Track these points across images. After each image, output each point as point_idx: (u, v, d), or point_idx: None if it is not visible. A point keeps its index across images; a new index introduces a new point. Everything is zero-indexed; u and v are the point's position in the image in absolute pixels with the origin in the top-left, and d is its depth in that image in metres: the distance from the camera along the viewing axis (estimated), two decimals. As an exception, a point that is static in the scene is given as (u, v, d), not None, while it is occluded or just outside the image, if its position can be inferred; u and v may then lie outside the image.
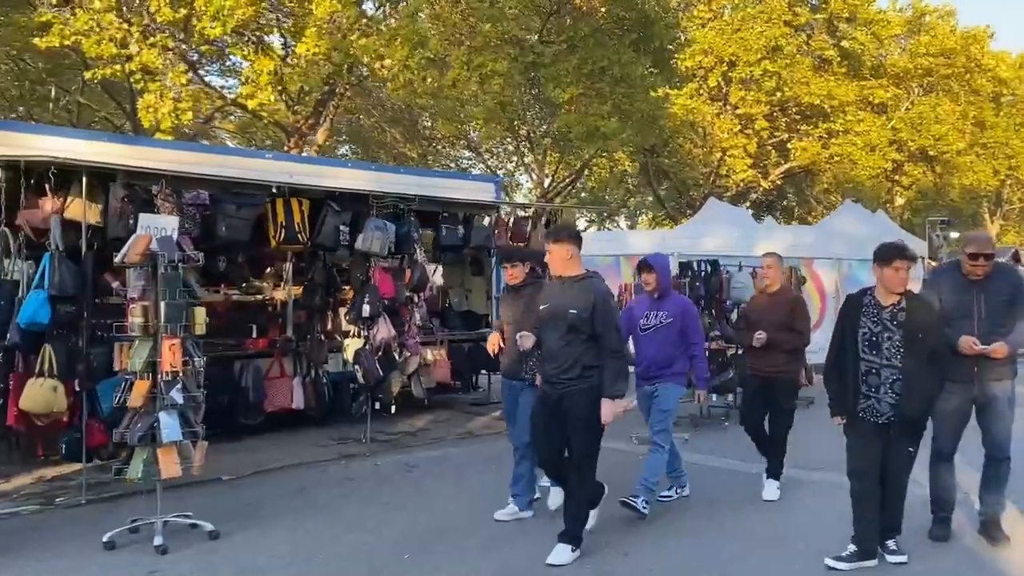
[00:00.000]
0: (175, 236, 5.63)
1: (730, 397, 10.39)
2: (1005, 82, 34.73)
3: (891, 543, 4.96)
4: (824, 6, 27.18)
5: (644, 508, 5.74)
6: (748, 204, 30.36)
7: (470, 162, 31.74)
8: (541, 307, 5.08)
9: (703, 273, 10.43)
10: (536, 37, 19.09)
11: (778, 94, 26.20)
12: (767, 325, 6.27)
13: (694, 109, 26.19)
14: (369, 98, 23.16)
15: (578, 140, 19.36)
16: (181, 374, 5.51)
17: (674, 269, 10.75)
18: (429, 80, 17.11)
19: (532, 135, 25.01)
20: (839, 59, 27.29)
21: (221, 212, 7.17)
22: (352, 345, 8.43)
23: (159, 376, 5.41)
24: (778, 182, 30.38)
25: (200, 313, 5.72)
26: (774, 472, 6.49)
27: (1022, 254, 29.35)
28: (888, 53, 29.38)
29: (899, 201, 32.95)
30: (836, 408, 4.89)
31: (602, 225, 38.02)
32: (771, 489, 6.45)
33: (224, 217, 7.15)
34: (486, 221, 9.78)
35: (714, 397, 10.04)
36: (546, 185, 29.86)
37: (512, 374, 5.93)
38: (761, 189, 29.70)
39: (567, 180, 30.05)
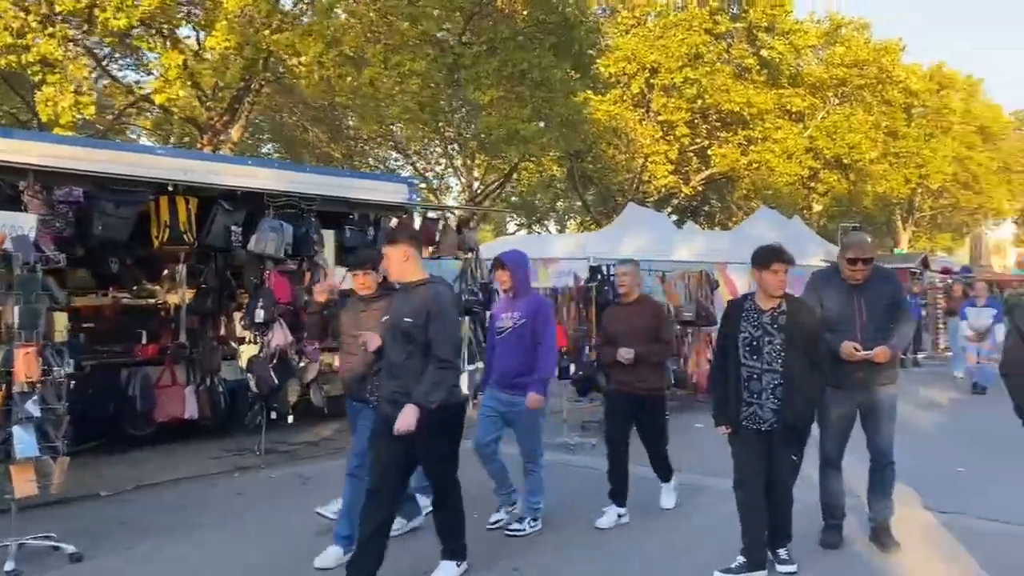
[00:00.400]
0: (32, 235, 5.21)
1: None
2: (916, 94, 35.94)
3: (782, 552, 4.84)
4: (744, 15, 27.71)
5: (532, 527, 5.62)
6: (671, 209, 30.79)
7: (398, 164, 31.32)
8: (383, 319, 4.59)
9: (612, 277, 10.32)
10: (457, 38, 18.89)
11: (699, 101, 26.58)
12: (631, 338, 5.77)
13: (617, 115, 26.36)
14: (290, 95, 22.60)
15: (499, 143, 19.17)
16: (39, 385, 5.09)
17: (584, 273, 10.69)
18: (349, 79, 16.75)
19: (458, 137, 24.80)
20: (758, 68, 27.84)
21: (98, 210, 6.67)
22: (247, 352, 8.04)
23: (13, 387, 4.98)
24: (699, 188, 30.84)
25: (61, 319, 5.29)
26: (666, 477, 6.26)
27: (931, 260, 30.47)
28: (805, 63, 30.09)
29: (816, 208, 33.84)
30: (720, 417, 4.75)
31: (531, 229, 38.09)
32: (668, 496, 6.27)
33: (101, 216, 6.66)
34: (393, 223, 9.46)
35: (550, 400, 9.97)
36: (475, 188, 29.73)
37: (354, 394, 5.23)
38: (683, 195, 30.11)
39: (496, 184, 29.98)
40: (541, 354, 5.45)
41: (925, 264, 28.32)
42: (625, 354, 5.69)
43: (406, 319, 4.34)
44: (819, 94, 29.62)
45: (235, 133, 18.89)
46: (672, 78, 26.01)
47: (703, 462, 7.14)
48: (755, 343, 4.54)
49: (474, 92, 17.72)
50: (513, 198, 35.95)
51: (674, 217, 33.88)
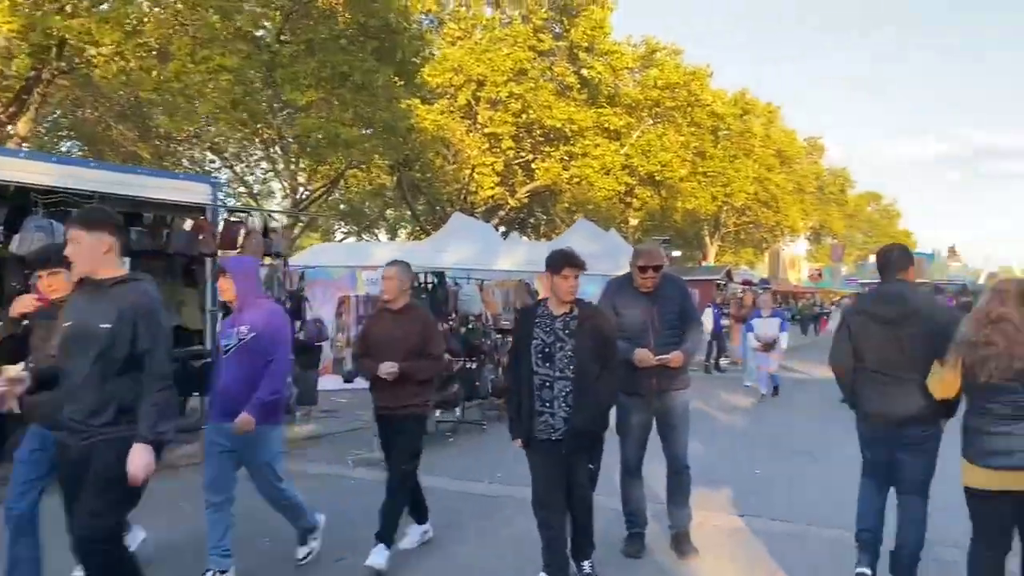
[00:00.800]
0: None
1: (458, 411, 10.12)
2: (722, 117, 38.45)
3: (586, 564, 4.71)
4: (566, 35, 28.54)
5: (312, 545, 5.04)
6: (498, 220, 31.13)
7: (215, 167, 29.65)
8: (63, 324, 3.57)
9: (430, 286, 10.08)
10: (274, 36, 18.08)
11: (523, 116, 27.06)
12: (392, 351, 4.99)
13: (444, 125, 26.32)
14: (89, 89, 20.75)
15: (320, 146, 18.51)
16: None
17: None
18: (154, 73, 15.54)
19: (279, 139, 23.77)
20: (579, 86, 28.74)
21: None
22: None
23: None
24: (525, 200, 31.40)
25: None
26: (418, 516, 5.49)
27: (734, 273, 32.62)
28: (622, 84, 31.40)
29: (633, 221, 35.35)
30: (514, 428, 4.53)
31: (360, 237, 37.30)
32: (411, 536, 5.46)
33: None
34: (187, 224, 8.74)
35: (438, 412, 9.73)
36: (300, 194, 28.68)
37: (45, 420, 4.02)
38: (509, 206, 30.53)
39: (321, 190, 29.11)
40: (267, 373, 4.53)
41: (729, 276, 30.29)
42: (386, 369, 4.95)
43: (100, 325, 3.42)
44: (635, 114, 31.00)
45: (22, 127, 17.05)
46: (498, 92, 26.32)
47: (515, 472, 7.00)
48: (547, 350, 4.38)
49: (292, 92, 17.00)
50: (341, 206, 35.11)
51: (502, 229, 34.45)
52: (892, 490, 4.49)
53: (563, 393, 4.36)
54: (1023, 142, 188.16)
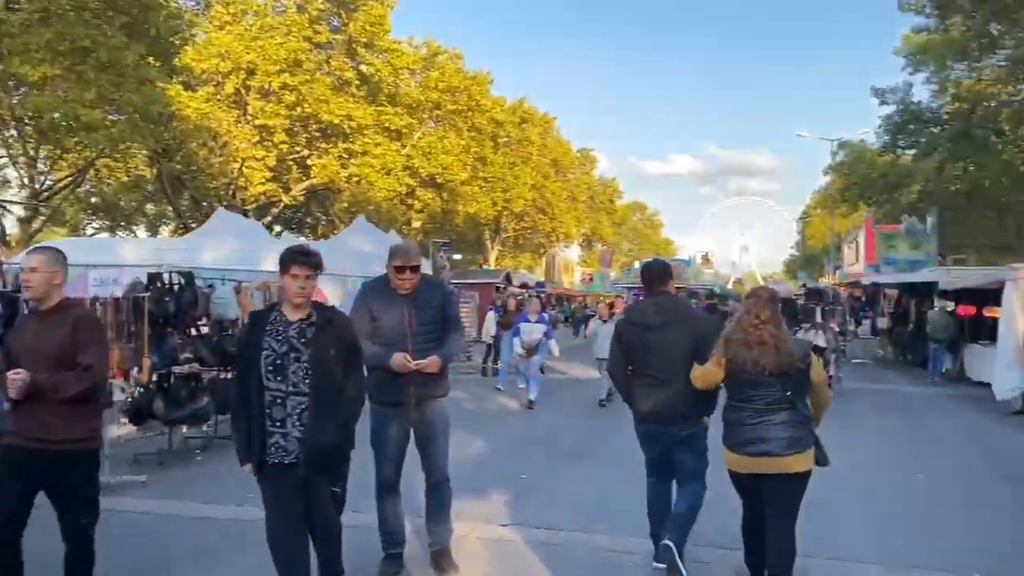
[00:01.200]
0: None
1: (205, 427, 9.11)
2: (501, 124, 39.19)
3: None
4: (344, 28, 27.57)
5: None
6: (271, 219, 29.50)
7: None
8: None
9: (176, 287, 8.97)
10: (1, 1, 15.67)
11: (298, 109, 25.77)
12: (35, 360, 3.77)
13: (210, 114, 24.44)
14: None
15: (58, 129, 16.31)
16: None
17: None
18: None
19: (12, 120, 20.81)
20: (358, 82, 27.88)
21: None
22: None
23: None
24: (301, 198, 30.03)
25: None
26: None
27: (513, 276, 33.20)
28: (404, 83, 30.92)
29: (416, 223, 35.01)
30: (243, 452, 3.85)
31: (114, 233, 33.86)
32: None
33: None
34: None
35: (185, 428, 8.70)
36: (40, 184, 25.47)
37: None
38: (283, 204, 29.03)
39: (67, 179, 26.03)
40: None
41: (508, 279, 30.78)
42: (13, 379, 3.67)
43: None
44: (416, 115, 30.65)
45: None
46: (270, 82, 24.86)
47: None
48: (280, 361, 3.73)
49: (20, 65, 14.78)
50: (93, 198, 31.73)
51: (278, 228, 32.70)
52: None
53: (297, 410, 3.74)
54: (759, 163, 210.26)
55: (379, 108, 28.30)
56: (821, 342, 13.67)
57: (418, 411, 4.66)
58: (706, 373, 4.39)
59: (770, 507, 4.26)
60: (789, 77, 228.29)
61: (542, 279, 46.39)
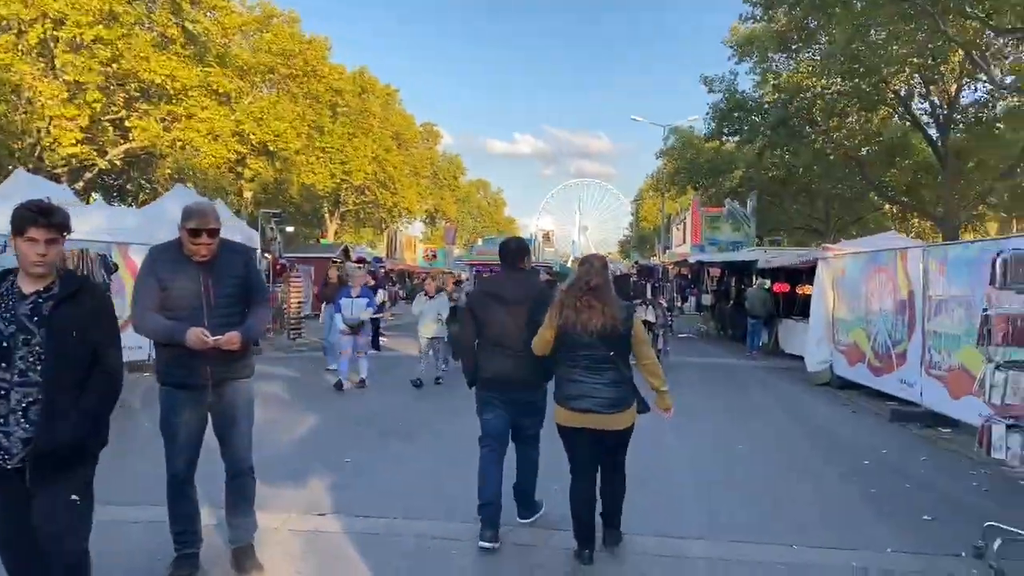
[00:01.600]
0: None
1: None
2: (340, 93, 37.81)
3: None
4: (167, -19, 25.47)
5: None
6: (84, 184, 26.94)
7: None
8: None
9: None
10: None
11: (115, 65, 23.55)
12: None
13: (11, 66, 21.86)
14: None
15: None
16: None
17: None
18: None
19: None
20: (183, 40, 25.87)
21: None
22: None
23: None
24: (119, 163, 27.61)
25: None
26: None
27: (352, 250, 32.21)
28: (234, 45, 29.04)
29: (248, 194, 33.20)
30: None
31: None
32: None
33: None
34: None
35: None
36: None
37: None
38: (98, 169, 26.56)
39: None
40: None
41: (346, 253, 29.84)
42: None
43: None
44: (247, 78, 28.88)
45: None
46: (81, 34, 22.53)
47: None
48: (4, 345, 2.98)
49: None
50: None
51: (97, 195, 29.88)
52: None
53: (23, 404, 3.00)
54: (598, 146, 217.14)
55: (207, 69, 26.41)
56: (651, 317, 13.99)
57: (216, 394, 4.12)
58: (543, 340, 4.60)
59: (600, 460, 4.63)
60: (631, 64, 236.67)
61: (384, 255, 45.55)
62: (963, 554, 4.85)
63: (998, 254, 4.74)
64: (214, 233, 4.04)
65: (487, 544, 4.72)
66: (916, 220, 37.88)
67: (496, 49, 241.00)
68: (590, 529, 4.58)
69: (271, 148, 28.17)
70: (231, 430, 4.23)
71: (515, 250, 5.12)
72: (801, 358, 15.74)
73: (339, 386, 10.99)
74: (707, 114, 30.73)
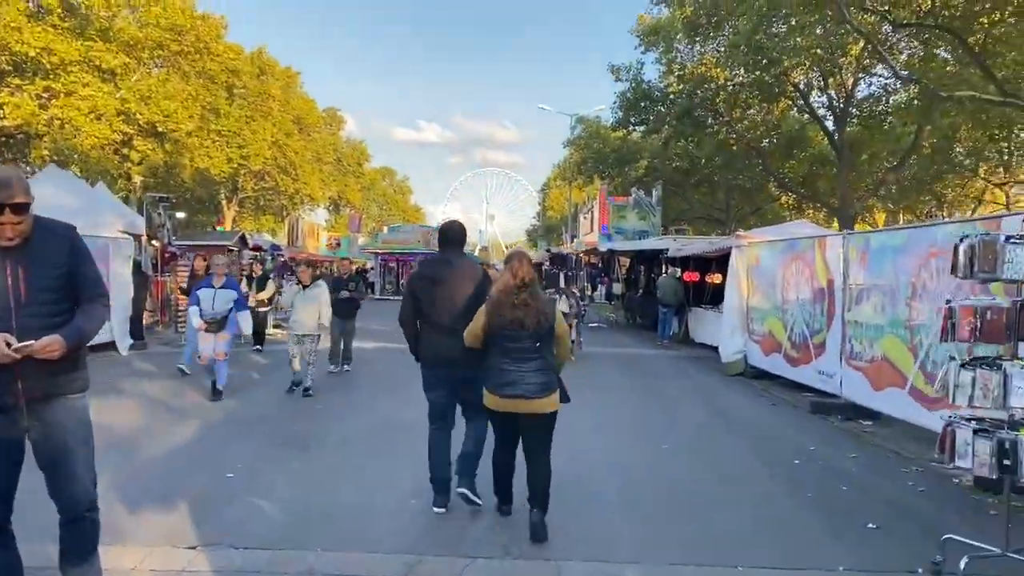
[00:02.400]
0: None
1: None
2: (237, 73, 35.81)
3: None
4: (42, -55, 23.25)
5: None
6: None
7: None
8: None
9: None
10: None
11: (-19, 35, 21.35)
12: None
13: None
14: None
15: None
16: None
17: None
18: None
19: None
20: (62, 11, 23.71)
21: None
22: None
23: None
24: (-12, 142, 25.23)
25: None
26: None
27: (250, 239, 30.47)
28: (119, 17, 26.88)
29: (136, 178, 30.94)
30: None
31: None
32: None
33: None
34: None
35: None
36: None
37: None
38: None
39: None
40: None
41: (244, 241, 28.14)
42: None
43: None
44: (134, 54, 26.74)
45: None
46: (-61, -1, 20.29)
47: None
48: None
49: None
50: None
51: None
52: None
53: None
54: (505, 136, 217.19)
55: (88, 43, 24.29)
56: (565, 308, 13.40)
57: (35, 417, 3.16)
58: (474, 331, 4.83)
59: (527, 442, 4.87)
60: (540, 53, 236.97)
61: (285, 243, 43.71)
62: (920, 571, 4.36)
63: (962, 239, 4.22)
64: (21, 209, 3.07)
65: (440, 509, 5.14)
66: (811, 211, 38.79)
67: (401, 35, 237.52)
68: (508, 490, 5.11)
69: (160, 129, 26.19)
70: (59, 461, 3.26)
71: (455, 235, 5.38)
72: (712, 347, 15.53)
73: (214, 395, 9.27)
74: (614, 103, 30.45)
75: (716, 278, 17.27)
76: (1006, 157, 32.37)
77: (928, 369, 7.34)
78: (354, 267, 16.87)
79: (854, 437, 8.03)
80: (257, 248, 22.85)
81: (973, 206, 37.92)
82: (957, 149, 31.47)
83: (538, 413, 4.74)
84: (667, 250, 18.37)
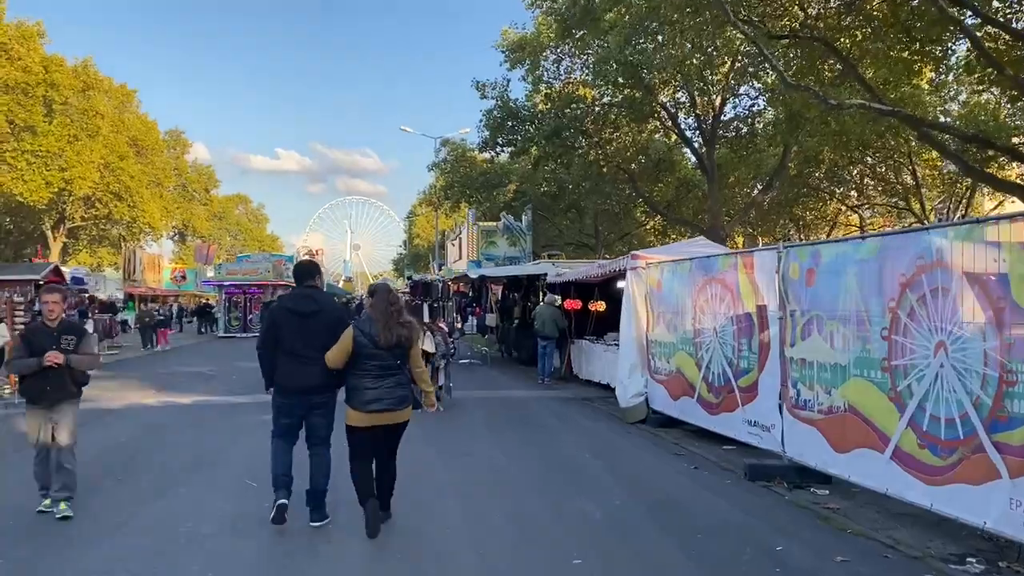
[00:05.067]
0: None
1: None
2: (56, 87, 31.36)
3: None
4: None
5: None
6: None
7: None
8: None
9: None
10: None
11: None
12: None
13: None
14: None
15: None
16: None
17: None
18: None
19: None
20: None
21: None
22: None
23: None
24: None
25: None
26: None
27: (69, 272, 26.09)
28: None
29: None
30: None
31: None
32: None
33: None
34: None
35: None
36: None
37: None
38: None
39: None
40: None
41: (58, 273, 23.85)
42: None
43: None
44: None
45: None
46: None
47: None
48: None
49: None
50: None
51: None
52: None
53: None
54: (367, 164, 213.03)
55: None
56: (430, 347, 10.84)
57: None
58: (339, 353, 5.23)
59: (381, 450, 5.39)
60: (398, 75, 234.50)
61: (122, 277, 38.92)
62: None
63: None
64: None
65: (283, 500, 5.40)
66: (675, 235, 37.92)
67: (256, 58, 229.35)
68: (370, 494, 5.30)
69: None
70: None
71: (306, 270, 5.78)
72: (600, 385, 13.36)
73: None
74: (480, 121, 28.33)
75: (599, 306, 15.19)
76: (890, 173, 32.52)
77: (924, 427, 5.28)
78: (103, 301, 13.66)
79: (818, 519, 5.86)
80: (76, 280, 18.95)
81: (828, 228, 38.35)
82: (816, 174, 31.44)
83: (398, 423, 5.34)
84: (545, 275, 16.17)
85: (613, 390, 12.68)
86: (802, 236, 37.06)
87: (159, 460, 7.86)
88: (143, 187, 39.66)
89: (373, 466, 5.38)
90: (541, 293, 17.34)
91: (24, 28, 29.72)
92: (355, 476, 5.33)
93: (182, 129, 54.58)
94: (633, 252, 10.87)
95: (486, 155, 31.90)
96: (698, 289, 8.85)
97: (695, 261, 9.07)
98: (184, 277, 46.50)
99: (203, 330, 33.75)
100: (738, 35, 22.52)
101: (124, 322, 24.10)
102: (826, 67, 20.13)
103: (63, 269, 26.23)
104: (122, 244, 44.38)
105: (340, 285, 64.14)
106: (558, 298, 15.18)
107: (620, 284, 14.56)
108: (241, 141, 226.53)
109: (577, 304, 15.30)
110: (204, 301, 40.67)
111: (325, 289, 6.35)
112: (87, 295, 21.62)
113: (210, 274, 46.91)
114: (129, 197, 38.50)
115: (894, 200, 33.90)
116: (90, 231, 44.77)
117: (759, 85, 25.88)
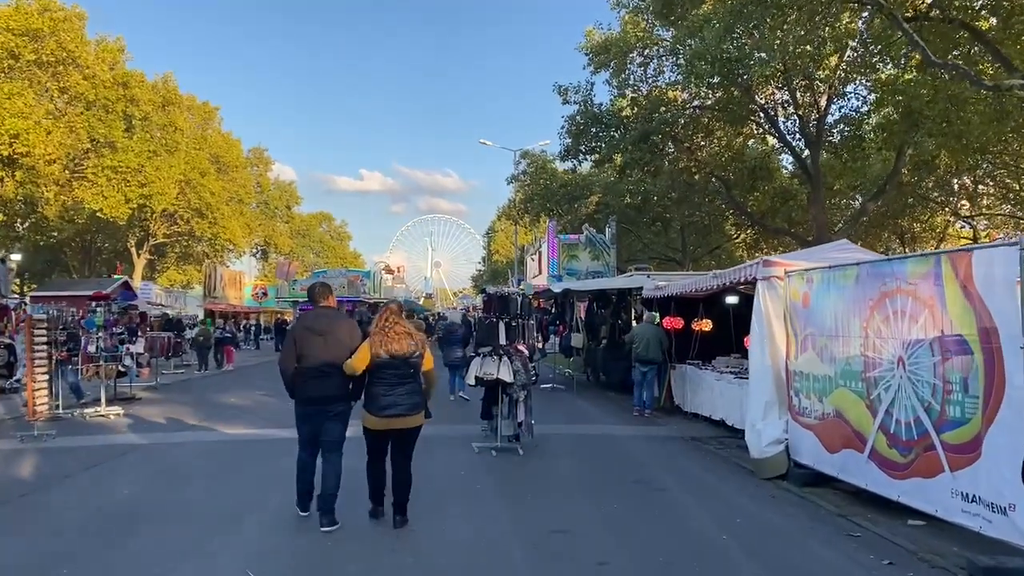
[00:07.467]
0: None
1: None
2: (136, 101, 30.69)
3: None
4: None
5: None
6: None
7: None
8: None
9: None
10: None
11: None
12: None
13: None
14: None
15: None
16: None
17: None
18: None
19: None
20: None
21: None
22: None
23: None
24: None
25: None
26: None
27: (150, 287, 25.12)
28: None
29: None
30: None
31: None
32: None
33: None
34: None
35: None
36: None
37: None
38: None
39: None
40: None
41: (128, 288, 22.79)
42: None
43: None
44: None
45: None
46: None
47: None
48: None
49: None
50: None
51: None
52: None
53: None
54: (447, 184, 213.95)
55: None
56: (507, 376, 8.68)
57: None
58: (356, 360, 5.65)
59: (396, 454, 5.86)
60: (478, 89, 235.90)
61: (203, 294, 38.33)
62: None
63: None
64: None
65: (304, 513, 5.98)
66: (767, 250, 34.77)
67: (341, 84, 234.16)
68: (381, 493, 5.95)
69: (5, 153, 20.81)
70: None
71: (319, 292, 6.20)
72: (709, 419, 10.97)
73: None
74: (562, 128, 26.20)
75: (705, 325, 12.78)
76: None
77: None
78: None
79: None
80: (102, 296, 17.62)
81: (935, 242, 34.58)
82: (926, 182, 28.18)
83: (410, 427, 5.80)
84: (640, 289, 13.83)
85: (726, 425, 10.32)
86: (906, 249, 33.46)
87: (143, 536, 5.91)
88: (223, 203, 39.08)
89: (387, 468, 5.87)
90: (632, 310, 14.99)
91: (104, 44, 29.18)
92: (370, 473, 5.99)
93: (265, 147, 54.34)
94: (765, 258, 8.44)
95: (567, 165, 29.77)
96: (872, 304, 6.40)
97: (865, 267, 6.62)
98: (265, 294, 45.84)
99: (280, 347, 32.66)
100: (850, 24, 19.86)
101: (193, 340, 22.82)
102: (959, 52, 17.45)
103: (135, 284, 25.28)
104: (204, 261, 44.04)
105: (421, 302, 62.89)
106: (656, 315, 12.83)
107: (729, 300, 12.22)
108: (326, 163, 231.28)
109: (679, 322, 12.91)
110: (280, 318, 39.75)
111: (399, 306, 6.36)
112: (137, 311, 20.34)
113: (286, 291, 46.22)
114: (210, 213, 37.93)
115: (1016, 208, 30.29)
116: (175, 248, 44.63)
117: (867, 83, 23.00)
